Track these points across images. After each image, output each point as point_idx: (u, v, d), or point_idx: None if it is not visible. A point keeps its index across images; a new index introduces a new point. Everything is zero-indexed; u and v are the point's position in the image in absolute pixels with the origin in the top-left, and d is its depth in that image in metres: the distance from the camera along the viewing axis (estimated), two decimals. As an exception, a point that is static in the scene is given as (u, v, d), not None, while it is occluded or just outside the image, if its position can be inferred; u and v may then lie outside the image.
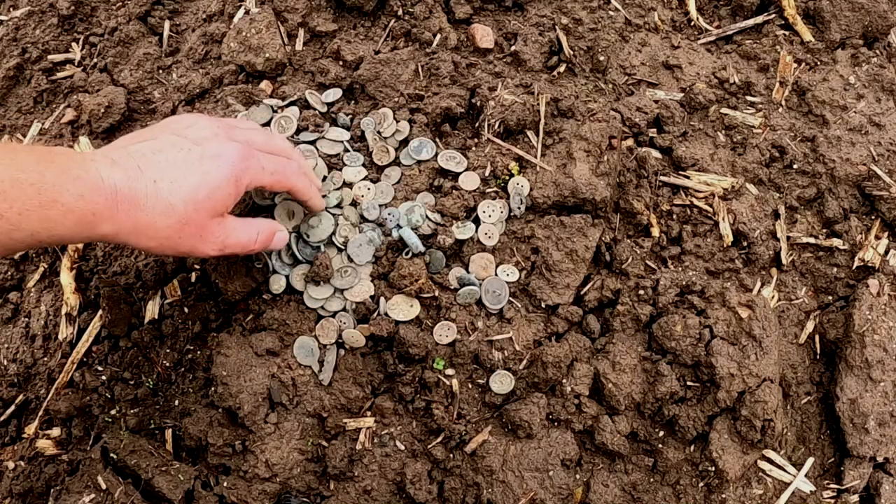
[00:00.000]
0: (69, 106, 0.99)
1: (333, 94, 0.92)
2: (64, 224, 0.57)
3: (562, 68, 0.95)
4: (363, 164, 0.88)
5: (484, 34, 0.95)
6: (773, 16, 0.99)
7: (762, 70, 0.96)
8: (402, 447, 0.81)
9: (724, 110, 0.94)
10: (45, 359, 0.88)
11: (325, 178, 0.86)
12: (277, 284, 0.81)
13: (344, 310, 0.81)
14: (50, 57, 1.03)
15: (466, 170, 0.86)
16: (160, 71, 1.00)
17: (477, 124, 0.91)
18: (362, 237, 0.82)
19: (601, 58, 0.95)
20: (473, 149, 0.89)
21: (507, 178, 0.86)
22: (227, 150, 0.67)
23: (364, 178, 0.86)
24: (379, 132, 0.88)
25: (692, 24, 1.01)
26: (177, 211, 0.63)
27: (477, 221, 0.84)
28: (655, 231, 0.87)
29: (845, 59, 0.96)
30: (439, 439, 0.81)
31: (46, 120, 1.01)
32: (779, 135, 0.93)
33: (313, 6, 0.96)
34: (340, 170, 0.87)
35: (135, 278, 0.87)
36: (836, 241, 0.89)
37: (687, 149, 0.90)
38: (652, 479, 0.82)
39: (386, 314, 0.80)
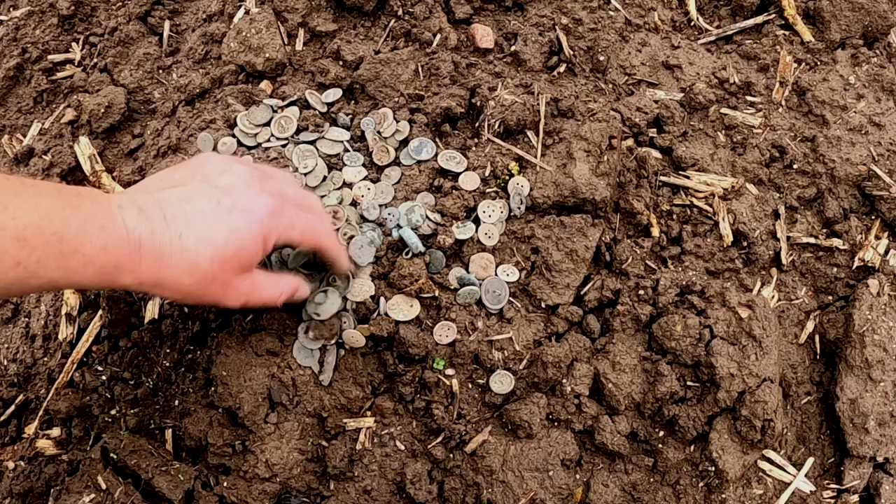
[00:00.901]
0: (69, 106, 0.99)
1: (333, 94, 0.92)
2: (83, 274, 0.56)
3: (562, 68, 0.95)
4: (363, 164, 0.88)
5: (484, 34, 0.95)
6: (773, 16, 0.99)
7: (762, 70, 0.96)
8: (402, 447, 0.81)
9: (724, 110, 0.94)
10: (45, 359, 0.88)
11: (324, 178, 0.86)
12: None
13: (344, 310, 0.81)
14: (50, 57, 1.03)
15: (466, 170, 0.86)
16: (160, 71, 1.00)
17: (477, 124, 0.91)
18: (363, 238, 0.82)
19: (601, 58, 0.95)
20: (473, 149, 0.89)
21: (507, 178, 0.86)
22: (258, 205, 0.64)
23: (364, 178, 0.86)
24: (379, 132, 0.88)
25: (692, 24, 1.01)
26: (202, 269, 0.61)
27: (477, 221, 0.84)
28: (655, 231, 0.87)
29: (845, 59, 0.96)
30: (439, 439, 0.81)
31: (46, 120, 1.01)
32: (779, 135, 0.93)
33: (313, 6, 0.96)
34: (340, 170, 0.87)
35: (135, 278, 0.87)
36: (836, 241, 0.89)
37: (687, 149, 0.90)
38: (652, 479, 0.82)
39: (386, 314, 0.80)
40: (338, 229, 0.81)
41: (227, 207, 0.62)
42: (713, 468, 0.79)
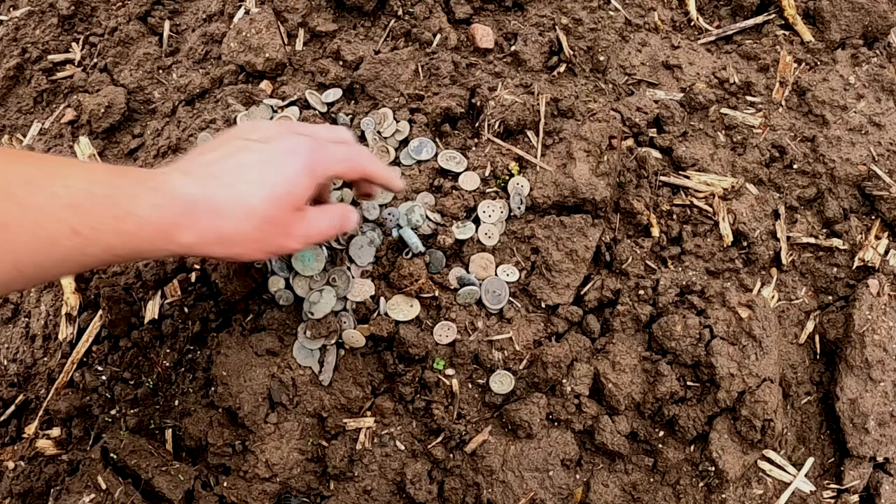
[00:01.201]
0: (69, 106, 0.99)
1: (333, 94, 0.92)
2: (140, 236, 0.55)
3: (562, 68, 0.95)
4: (363, 164, 0.88)
5: (484, 34, 0.95)
6: (773, 16, 0.99)
7: (762, 70, 0.96)
8: (402, 447, 0.81)
9: (724, 110, 0.94)
10: (45, 359, 0.88)
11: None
12: (276, 286, 0.81)
13: (344, 310, 0.81)
14: (50, 57, 1.03)
15: (466, 170, 0.86)
16: (160, 71, 1.00)
17: (477, 124, 0.91)
18: (363, 238, 0.82)
19: (601, 58, 0.95)
20: (473, 149, 0.89)
21: (507, 178, 0.86)
22: (298, 144, 0.65)
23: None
24: (379, 132, 0.88)
25: (692, 24, 1.01)
26: (259, 212, 0.61)
27: (477, 221, 0.84)
28: (655, 231, 0.87)
29: (845, 59, 0.96)
30: (439, 439, 0.81)
31: (46, 120, 1.01)
32: (779, 135, 0.93)
33: (313, 6, 0.96)
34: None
35: (135, 278, 0.87)
36: (836, 241, 0.89)
37: (687, 149, 0.90)
38: (652, 479, 0.82)
39: (386, 314, 0.80)
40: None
41: (270, 153, 0.64)
42: (713, 468, 0.79)
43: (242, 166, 0.62)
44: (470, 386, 0.81)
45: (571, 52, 0.95)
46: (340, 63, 0.94)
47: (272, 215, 0.62)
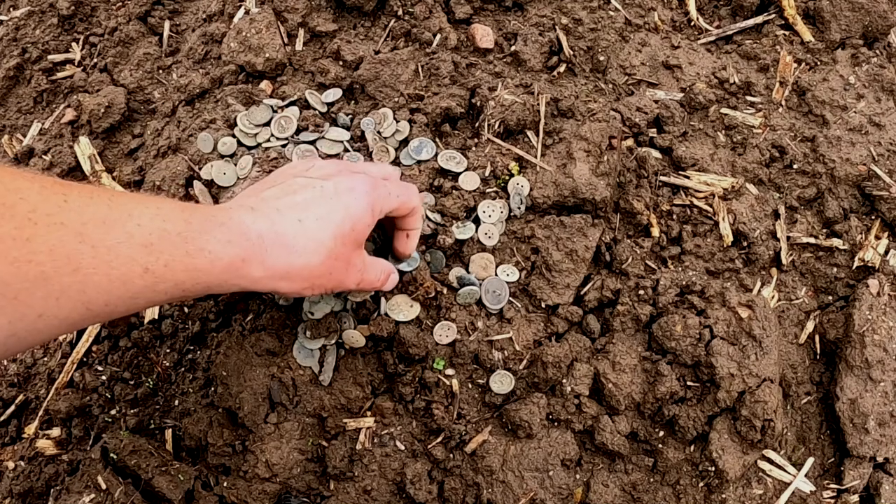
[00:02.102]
0: (69, 106, 0.99)
1: (333, 94, 0.92)
2: (212, 272, 0.56)
3: (562, 68, 0.95)
4: (363, 164, 0.88)
5: (484, 34, 0.95)
6: (773, 16, 0.99)
7: (762, 70, 0.96)
8: (402, 447, 0.81)
9: (724, 110, 0.94)
10: (45, 359, 0.88)
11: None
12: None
13: (344, 310, 0.81)
14: (50, 57, 1.03)
15: (466, 170, 0.86)
16: (160, 71, 1.00)
17: (477, 124, 0.91)
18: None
19: (601, 58, 0.95)
20: (473, 149, 0.89)
21: (507, 178, 0.86)
22: (358, 183, 0.67)
23: (364, 178, 0.86)
24: (379, 132, 0.88)
25: (692, 24, 1.01)
26: (327, 246, 0.63)
27: (477, 221, 0.84)
28: (655, 231, 0.87)
29: (845, 59, 0.96)
30: (439, 439, 0.81)
31: (46, 120, 1.01)
32: (779, 135, 0.93)
33: (313, 6, 0.96)
34: (340, 170, 0.87)
35: (135, 278, 0.87)
36: (836, 241, 0.89)
37: (687, 149, 0.90)
38: (652, 479, 0.82)
39: (386, 314, 0.80)
40: None
41: (332, 191, 0.65)
42: (713, 468, 0.79)
43: (308, 202, 0.63)
44: (470, 386, 0.81)
45: (571, 52, 0.95)
46: (340, 63, 0.94)
47: (338, 251, 0.64)
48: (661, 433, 0.81)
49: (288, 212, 0.62)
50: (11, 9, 1.08)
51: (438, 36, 0.94)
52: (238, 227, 0.58)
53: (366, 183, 0.67)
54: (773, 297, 0.88)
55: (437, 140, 0.89)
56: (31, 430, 0.85)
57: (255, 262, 0.59)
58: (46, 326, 0.49)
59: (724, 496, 0.81)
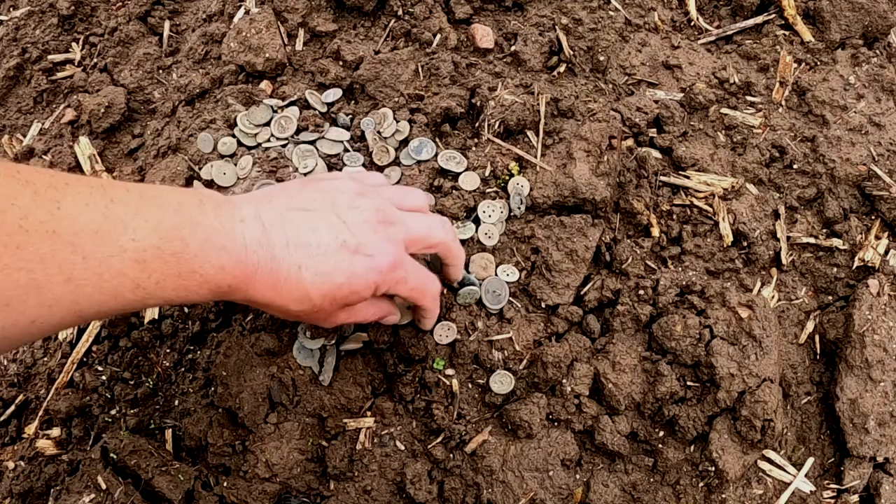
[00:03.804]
0: (69, 106, 0.99)
1: (333, 94, 0.92)
2: (198, 293, 0.56)
3: (562, 68, 0.95)
4: (363, 165, 0.88)
5: (484, 34, 0.95)
6: (773, 16, 0.99)
7: (762, 70, 0.96)
8: (402, 447, 0.81)
9: (724, 110, 0.94)
10: (45, 359, 0.88)
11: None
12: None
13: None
14: (50, 57, 1.03)
15: (466, 170, 0.86)
16: (160, 71, 1.00)
17: (477, 124, 0.91)
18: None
19: (601, 58, 0.95)
20: (473, 149, 0.89)
21: (507, 178, 0.86)
22: (381, 254, 0.64)
23: (364, 178, 0.86)
24: (379, 132, 0.88)
25: (692, 24, 1.01)
26: (312, 301, 0.62)
27: (477, 221, 0.84)
28: (655, 231, 0.87)
29: (845, 59, 0.96)
30: (439, 439, 0.81)
31: (46, 120, 1.01)
32: (779, 135, 0.93)
33: (313, 6, 0.96)
34: (340, 170, 0.87)
35: (135, 278, 0.87)
36: (836, 241, 0.89)
37: (687, 149, 0.90)
38: (652, 479, 0.82)
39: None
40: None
41: (352, 249, 0.62)
42: (713, 468, 0.79)
43: (321, 248, 0.61)
44: (470, 386, 0.81)
45: (571, 52, 0.95)
46: (340, 63, 0.94)
47: (323, 307, 0.63)
48: (661, 433, 0.81)
49: (295, 251, 0.60)
50: (11, 9, 1.08)
51: (438, 36, 0.94)
52: (237, 254, 0.57)
53: (388, 259, 0.64)
54: (773, 297, 0.88)
55: (437, 140, 0.89)
56: (31, 430, 0.85)
57: (239, 290, 0.58)
58: (39, 331, 0.49)
59: (724, 496, 0.81)
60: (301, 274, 0.60)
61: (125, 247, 0.50)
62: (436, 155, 0.87)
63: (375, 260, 0.63)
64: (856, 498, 0.83)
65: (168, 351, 0.84)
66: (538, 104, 0.90)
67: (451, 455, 0.81)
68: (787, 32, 0.98)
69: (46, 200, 0.47)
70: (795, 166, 0.91)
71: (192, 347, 0.84)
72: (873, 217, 0.91)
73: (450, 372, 0.81)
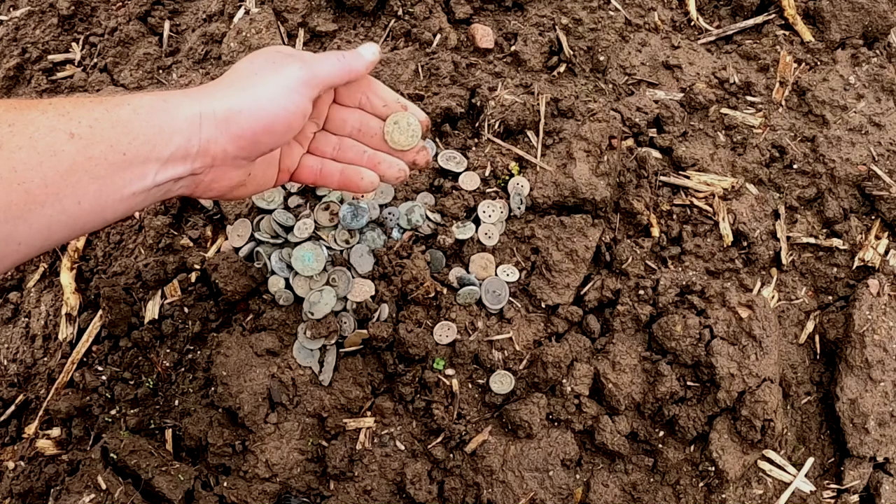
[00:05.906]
0: (69, 106, 0.99)
1: (333, 94, 0.92)
2: (135, 121, 0.52)
3: (562, 68, 0.95)
4: (363, 164, 0.87)
5: (484, 34, 0.95)
6: (773, 16, 0.99)
7: (762, 70, 0.96)
8: (402, 447, 0.81)
9: (724, 110, 0.94)
10: (45, 359, 0.88)
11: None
12: (276, 286, 0.81)
13: (344, 310, 0.81)
14: (50, 57, 1.03)
15: (466, 170, 0.86)
16: (160, 71, 1.00)
17: (477, 124, 0.91)
18: (362, 247, 0.82)
19: (601, 58, 0.94)
20: (473, 149, 0.89)
21: (507, 178, 0.86)
22: (302, 53, 0.63)
23: (364, 178, 0.86)
24: (379, 132, 0.88)
25: (692, 24, 1.01)
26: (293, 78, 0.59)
27: (477, 221, 0.84)
28: (655, 231, 0.87)
29: (845, 59, 0.96)
30: (439, 439, 0.81)
31: (46, 120, 1.00)
32: (779, 135, 0.93)
33: (313, 6, 0.96)
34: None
35: (135, 278, 0.87)
36: (836, 241, 0.89)
37: (687, 149, 0.90)
38: (652, 479, 0.82)
39: (385, 320, 0.80)
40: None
41: (281, 56, 0.61)
42: (713, 468, 0.79)
43: (254, 61, 0.61)
44: (470, 386, 0.81)
45: (571, 52, 0.95)
46: (340, 63, 0.94)
47: (300, 80, 0.60)
48: (661, 433, 0.81)
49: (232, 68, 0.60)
50: (11, 9, 1.08)
51: (438, 36, 0.94)
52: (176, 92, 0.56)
53: (307, 54, 0.63)
54: (773, 297, 0.88)
55: (437, 140, 0.89)
56: (31, 430, 0.85)
57: (178, 96, 0.55)
58: None
59: (724, 496, 0.81)
60: (252, 63, 0.60)
61: (45, 109, 0.50)
62: (436, 155, 0.87)
63: (303, 55, 0.62)
64: (856, 498, 0.83)
65: (168, 351, 0.84)
66: (538, 104, 0.90)
67: (451, 455, 0.81)
68: (787, 32, 0.98)
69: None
70: (795, 166, 0.91)
71: (192, 347, 0.84)
72: (873, 217, 0.91)
73: (450, 372, 0.80)
